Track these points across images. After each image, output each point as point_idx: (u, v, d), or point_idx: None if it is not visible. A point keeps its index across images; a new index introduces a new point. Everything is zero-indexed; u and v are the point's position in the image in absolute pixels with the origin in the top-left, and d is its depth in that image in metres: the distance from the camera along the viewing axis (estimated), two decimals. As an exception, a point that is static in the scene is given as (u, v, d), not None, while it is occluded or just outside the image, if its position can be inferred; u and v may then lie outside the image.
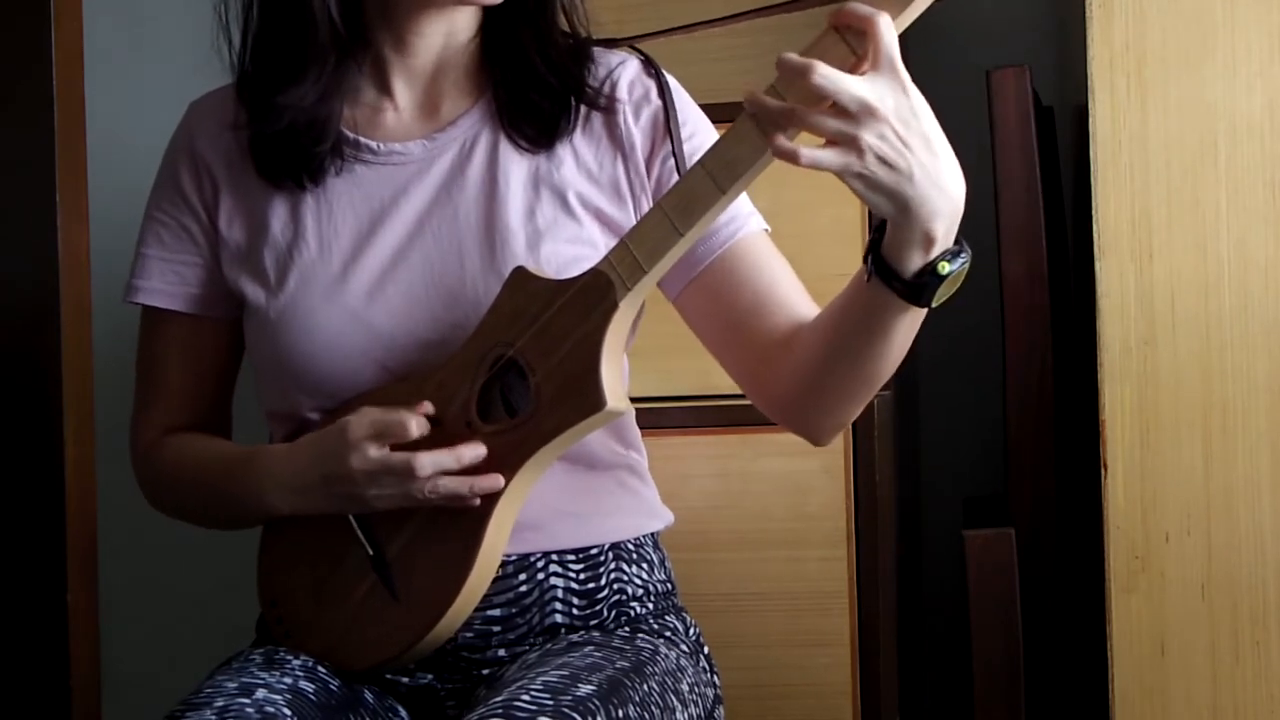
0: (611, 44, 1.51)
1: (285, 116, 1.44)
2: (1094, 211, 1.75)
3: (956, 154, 1.23)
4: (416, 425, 1.34)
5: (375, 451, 1.34)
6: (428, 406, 1.36)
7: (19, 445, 2.17)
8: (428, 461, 1.33)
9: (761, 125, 1.21)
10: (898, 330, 1.31)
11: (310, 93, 1.43)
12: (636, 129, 1.47)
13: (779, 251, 1.47)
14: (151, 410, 1.54)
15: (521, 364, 1.35)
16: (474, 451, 1.34)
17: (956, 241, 1.25)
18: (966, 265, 1.26)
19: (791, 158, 1.17)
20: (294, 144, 1.45)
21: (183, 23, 2.41)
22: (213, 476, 1.48)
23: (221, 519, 1.52)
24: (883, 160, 1.18)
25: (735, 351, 1.46)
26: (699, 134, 1.48)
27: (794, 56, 1.17)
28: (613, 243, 1.43)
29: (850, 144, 1.17)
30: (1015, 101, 1.96)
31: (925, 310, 1.29)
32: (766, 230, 1.47)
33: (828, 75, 1.16)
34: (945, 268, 1.24)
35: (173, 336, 1.52)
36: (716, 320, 1.45)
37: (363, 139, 1.47)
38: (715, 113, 1.58)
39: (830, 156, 1.17)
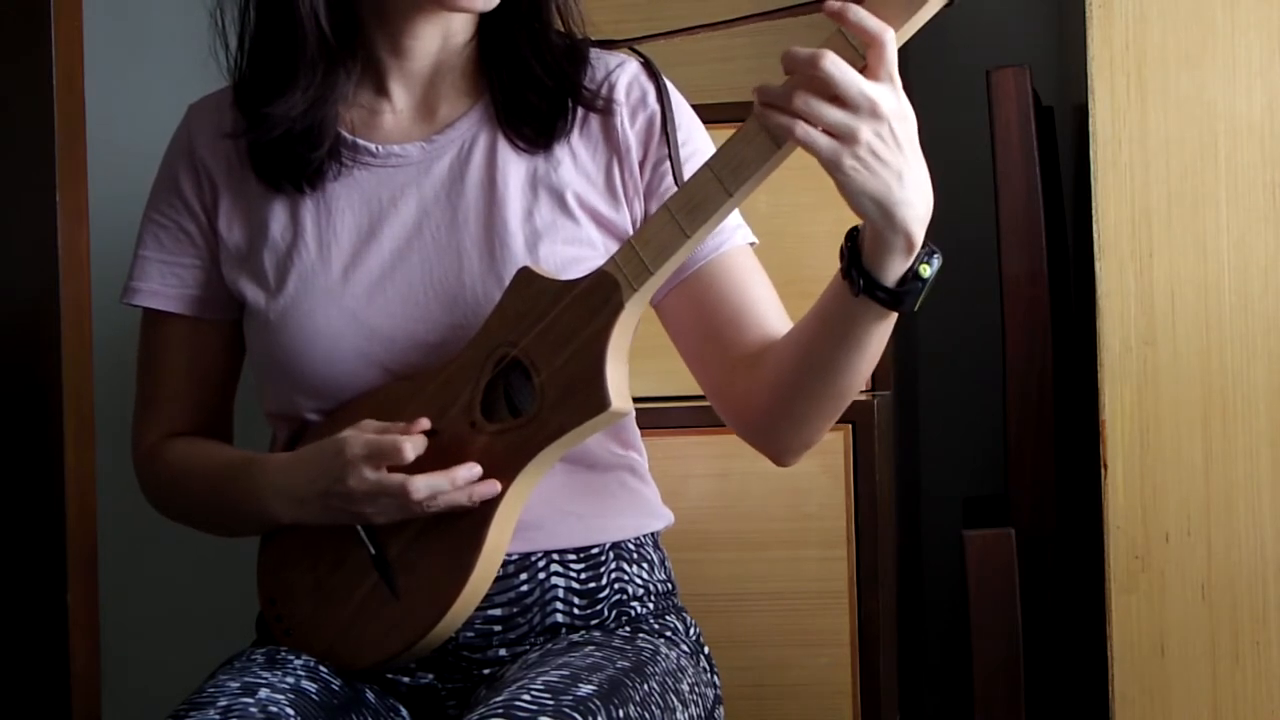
0: (611, 45, 1.52)
1: (279, 125, 1.44)
2: (1094, 211, 1.74)
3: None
4: (412, 448, 1.34)
5: (371, 473, 1.34)
6: (424, 423, 1.36)
7: (19, 446, 2.16)
8: (423, 485, 1.33)
9: (765, 114, 1.21)
10: (872, 339, 1.32)
11: (300, 102, 1.43)
12: (632, 131, 1.47)
13: (762, 267, 1.47)
14: (152, 413, 1.54)
15: (525, 363, 1.35)
16: (468, 473, 1.34)
17: (925, 244, 1.26)
18: (940, 267, 1.27)
19: (787, 131, 1.18)
20: (290, 151, 1.45)
21: (182, 24, 2.41)
22: (215, 484, 1.48)
23: (224, 526, 1.52)
24: (876, 156, 1.19)
25: (708, 362, 1.46)
26: (694, 139, 1.48)
27: (802, 49, 1.18)
28: (611, 243, 1.44)
29: (847, 135, 1.18)
30: (1015, 101, 1.96)
31: (895, 319, 1.31)
32: (753, 244, 1.48)
33: (838, 64, 1.17)
34: (926, 270, 1.26)
35: (172, 338, 1.52)
36: (694, 329, 1.46)
37: (361, 141, 1.47)
38: (712, 113, 1.58)
39: (824, 142, 1.19)
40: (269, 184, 1.47)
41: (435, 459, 1.35)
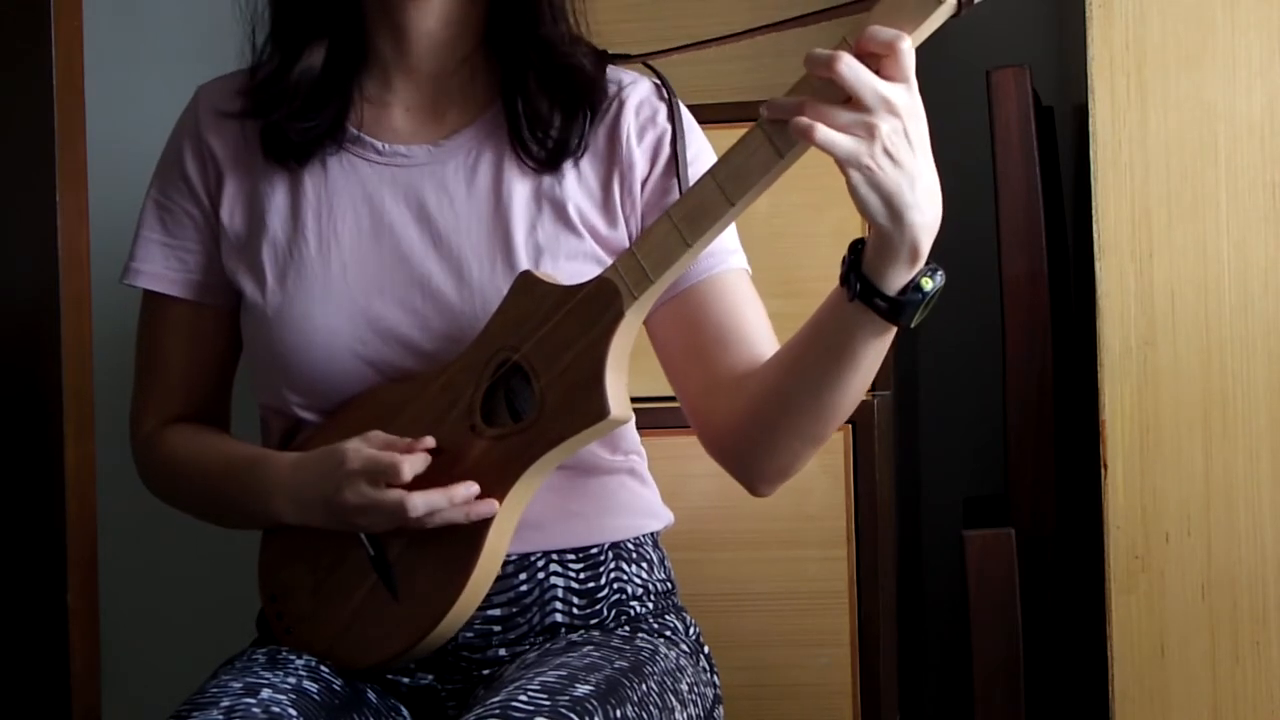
0: (625, 60, 1.51)
1: (274, 105, 1.45)
2: (1094, 211, 1.74)
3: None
4: (410, 467, 1.33)
5: (367, 489, 1.34)
6: (429, 441, 1.36)
7: (19, 445, 2.17)
8: (420, 503, 1.33)
9: (773, 125, 1.21)
10: (865, 354, 1.30)
11: (286, 80, 1.46)
12: (638, 149, 1.46)
13: (757, 295, 1.47)
14: (151, 397, 1.54)
15: (526, 369, 1.35)
16: (466, 491, 1.34)
17: (929, 262, 1.25)
18: (942, 285, 1.26)
19: (807, 133, 1.17)
20: (288, 129, 1.46)
21: (183, 23, 2.41)
22: (218, 477, 1.48)
23: (223, 518, 1.52)
24: (890, 155, 1.18)
25: (690, 380, 1.45)
26: (701, 160, 1.48)
27: (823, 50, 1.18)
28: (610, 259, 1.43)
29: (865, 132, 1.17)
30: (1015, 101, 1.96)
31: (891, 337, 1.30)
32: (747, 271, 1.47)
33: (853, 65, 1.17)
34: (928, 284, 1.25)
35: (173, 322, 1.52)
36: (679, 346, 1.46)
37: (366, 136, 1.47)
38: (712, 113, 1.58)
39: (843, 140, 1.17)
40: (275, 161, 1.47)
41: (434, 463, 1.35)
